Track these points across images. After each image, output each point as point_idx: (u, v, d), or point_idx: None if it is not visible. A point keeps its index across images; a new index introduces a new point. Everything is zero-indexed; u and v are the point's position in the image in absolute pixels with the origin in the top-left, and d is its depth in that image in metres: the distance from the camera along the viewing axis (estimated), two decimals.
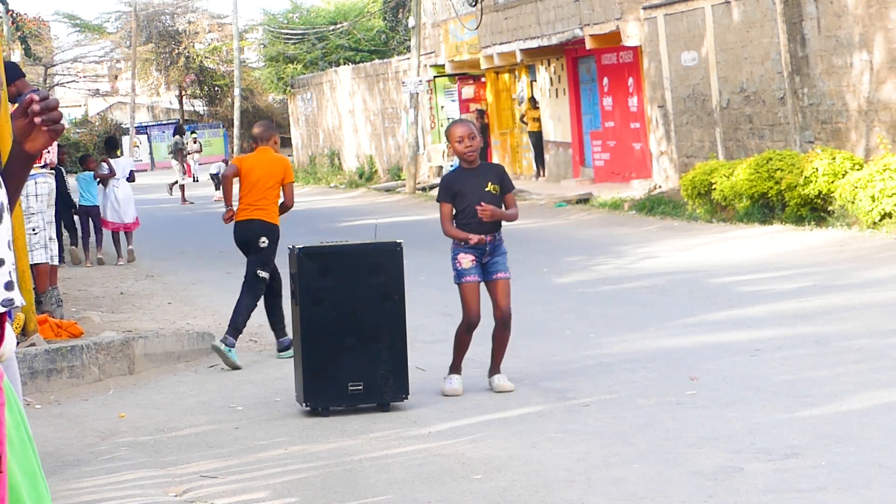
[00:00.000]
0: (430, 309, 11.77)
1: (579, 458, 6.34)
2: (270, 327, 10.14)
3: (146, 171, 35.32)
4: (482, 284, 8.06)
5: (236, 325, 9.67)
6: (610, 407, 7.48)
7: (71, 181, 19.30)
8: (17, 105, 3.08)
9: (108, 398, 8.84)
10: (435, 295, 12.76)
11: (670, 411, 7.25)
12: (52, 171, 11.32)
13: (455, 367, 8.19)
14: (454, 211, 8.07)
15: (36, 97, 2.99)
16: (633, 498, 5.62)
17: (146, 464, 6.86)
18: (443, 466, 6.37)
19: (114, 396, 8.90)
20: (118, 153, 19.52)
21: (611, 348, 9.47)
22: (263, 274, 9.82)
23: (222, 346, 9.51)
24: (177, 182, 34.58)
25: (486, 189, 8.01)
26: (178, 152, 34.61)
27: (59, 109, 3.03)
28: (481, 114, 32.66)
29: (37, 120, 2.99)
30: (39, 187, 10.92)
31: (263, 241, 9.78)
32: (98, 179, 18.19)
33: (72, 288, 14.63)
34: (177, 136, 35.97)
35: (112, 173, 18.09)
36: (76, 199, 18.30)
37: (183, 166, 34.87)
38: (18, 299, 3.07)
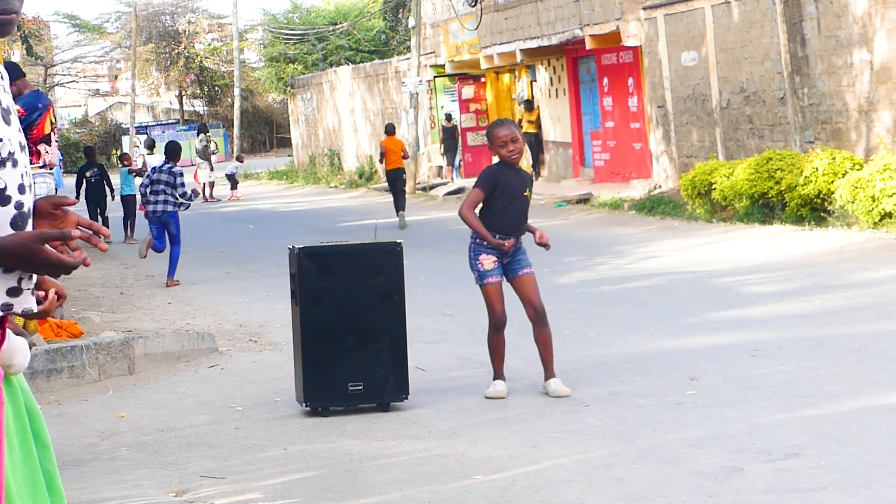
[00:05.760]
0: (430, 309, 11.77)
1: (579, 458, 6.34)
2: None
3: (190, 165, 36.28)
4: (508, 285, 7.99)
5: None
6: (610, 407, 7.48)
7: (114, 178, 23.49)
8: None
9: (108, 398, 8.84)
10: (435, 295, 12.76)
11: (670, 411, 7.25)
12: (52, 172, 11.32)
13: (497, 375, 7.99)
14: (482, 205, 7.93)
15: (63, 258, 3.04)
16: (633, 498, 5.62)
17: (146, 464, 6.86)
18: (443, 466, 6.37)
19: (114, 396, 8.90)
20: (153, 151, 24.52)
21: (611, 348, 9.47)
22: None
23: None
24: (212, 182, 34.75)
25: (525, 193, 7.96)
26: (205, 150, 34.57)
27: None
28: (448, 118, 32.60)
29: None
30: (38, 188, 10.91)
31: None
32: (133, 173, 22.18)
33: (72, 288, 14.62)
34: (200, 135, 35.90)
35: (144, 168, 21.21)
36: (118, 191, 22.43)
37: (210, 164, 34.85)
38: (20, 306, 3.00)
